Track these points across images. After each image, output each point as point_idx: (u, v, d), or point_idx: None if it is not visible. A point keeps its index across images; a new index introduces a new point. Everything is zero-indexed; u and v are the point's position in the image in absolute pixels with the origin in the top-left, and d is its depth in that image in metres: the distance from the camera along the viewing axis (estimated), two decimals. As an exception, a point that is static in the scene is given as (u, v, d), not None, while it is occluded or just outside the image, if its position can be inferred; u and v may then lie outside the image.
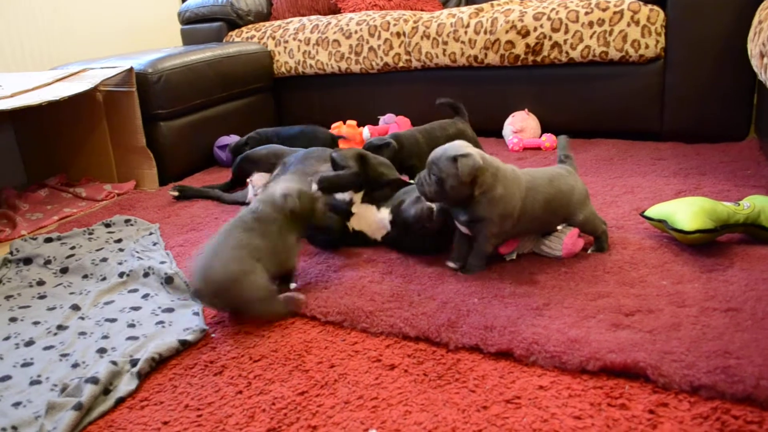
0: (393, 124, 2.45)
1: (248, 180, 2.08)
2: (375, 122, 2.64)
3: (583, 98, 2.38)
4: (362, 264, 1.51)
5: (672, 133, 2.28)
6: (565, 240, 1.42)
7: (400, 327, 1.22)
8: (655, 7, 2.17)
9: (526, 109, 2.45)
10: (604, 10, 2.22)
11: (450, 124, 2.04)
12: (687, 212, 1.40)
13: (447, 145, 1.37)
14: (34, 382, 1.17)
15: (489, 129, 2.60)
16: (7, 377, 1.20)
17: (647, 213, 1.51)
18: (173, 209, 2.07)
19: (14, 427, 1.04)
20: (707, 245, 1.43)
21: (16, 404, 1.11)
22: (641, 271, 1.35)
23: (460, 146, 1.35)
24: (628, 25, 2.19)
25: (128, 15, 3.29)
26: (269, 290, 1.30)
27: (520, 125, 2.38)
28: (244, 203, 2.02)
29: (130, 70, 2.21)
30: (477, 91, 2.55)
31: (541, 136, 2.41)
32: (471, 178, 1.32)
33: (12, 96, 2.04)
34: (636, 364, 1.03)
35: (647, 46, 2.19)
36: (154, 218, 1.99)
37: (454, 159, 1.31)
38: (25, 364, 1.23)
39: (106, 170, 2.44)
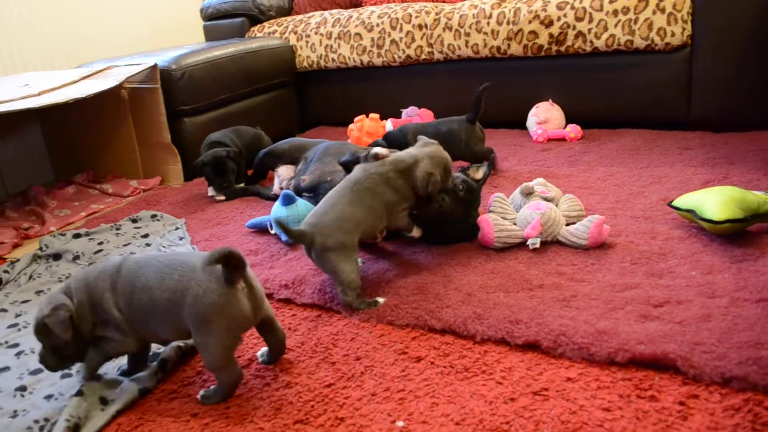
0: (416, 117, 2.44)
1: (274, 172, 2.09)
2: (398, 115, 2.63)
3: (608, 88, 2.34)
4: (387, 257, 1.51)
5: (699, 122, 2.24)
6: (591, 229, 1.40)
7: (426, 319, 1.22)
8: (682, -6, 2.13)
9: (550, 100, 2.42)
10: (629, -3, 2.19)
11: (447, 122, 2.03)
12: (716, 202, 1.37)
13: None
14: (65, 375, 1.20)
15: (513, 120, 2.58)
16: (39, 370, 1.22)
17: (675, 203, 1.49)
18: (198, 204, 2.09)
19: (46, 419, 1.06)
20: (737, 235, 1.41)
21: (48, 397, 1.13)
22: (670, 261, 1.33)
23: None
24: (654, 12, 2.15)
25: (151, 12, 3.33)
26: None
27: (545, 116, 2.36)
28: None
29: (154, 66, 2.23)
30: (500, 82, 2.52)
31: (565, 126, 2.38)
32: None
33: (39, 94, 2.08)
34: (666, 356, 1.02)
35: (673, 34, 2.15)
36: (180, 213, 2.01)
37: None
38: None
39: (132, 166, 2.47)
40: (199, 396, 1.08)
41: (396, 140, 2.01)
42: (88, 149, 2.56)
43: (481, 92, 1.97)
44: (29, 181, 2.61)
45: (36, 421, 1.05)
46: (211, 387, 1.08)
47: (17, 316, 1.46)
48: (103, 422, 1.03)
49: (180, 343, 1.20)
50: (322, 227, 1.28)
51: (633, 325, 1.11)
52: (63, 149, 2.62)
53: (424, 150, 1.41)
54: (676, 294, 1.20)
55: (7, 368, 1.24)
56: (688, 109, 2.24)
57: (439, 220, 1.49)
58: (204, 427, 1.01)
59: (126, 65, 2.34)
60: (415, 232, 1.46)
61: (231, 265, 1.00)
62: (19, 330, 1.39)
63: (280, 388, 1.09)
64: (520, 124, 2.54)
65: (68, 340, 1.04)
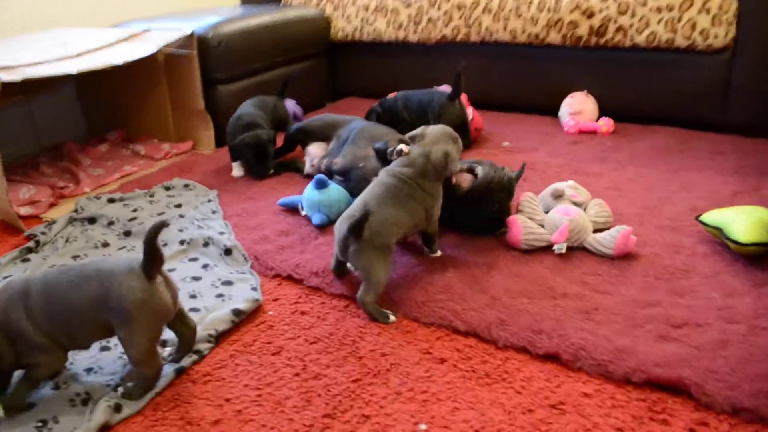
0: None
1: (305, 150, 2.12)
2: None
3: (645, 83, 2.33)
4: (414, 251, 1.54)
5: (734, 125, 2.23)
6: (618, 239, 1.43)
7: (451, 320, 1.26)
8: (729, -5, 2.10)
9: (586, 91, 2.41)
10: (674, -6, 2.15)
11: (429, 93, 2.22)
12: (744, 223, 1.39)
13: None
14: (104, 348, 1.25)
15: (545, 107, 2.57)
16: (80, 341, 1.29)
17: (703, 218, 1.50)
18: (230, 176, 2.12)
19: (87, 393, 1.13)
20: (762, 257, 1.43)
21: (88, 370, 1.19)
22: (692, 280, 1.36)
23: None
24: (699, 12, 2.11)
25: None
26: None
27: (578, 107, 2.35)
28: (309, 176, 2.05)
29: (192, 34, 2.24)
30: (535, 69, 2.52)
31: (598, 119, 2.38)
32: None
33: (77, 56, 2.10)
34: (680, 381, 1.06)
35: (716, 36, 2.12)
36: (212, 184, 2.05)
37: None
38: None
39: (164, 129, 2.50)
40: (119, 392, 1.11)
41: (391, 107, 2.27)
42: (121, 108, 2.59)
43: (459, 72, 2.11)
44: (63, 135, 2.66)
45: (78, 394, 1.12)
46: (129, 384, 1.12)
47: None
48: (143, 403, 1.09)
49: (211, 330, 1.26)
50: (372, 224, 1.31)
51: (651, 345, 1.15)
52: (96, 106, 2.66)
53: (429, 138, 1.45)
54: (695, 316, 1.23)
55: (48, 335, 1.31)
56: (723, 111, 2.22)
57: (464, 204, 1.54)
58: (237, 413, 1.07)
59: (163, 30, 2.35)
60: (438, 252, 1.52)
61: (152, 257, 1.04)
62: (59, 296, 1.46)
63: (310, 379, 1.14)
64: (553, 111, 2.53)
65: None
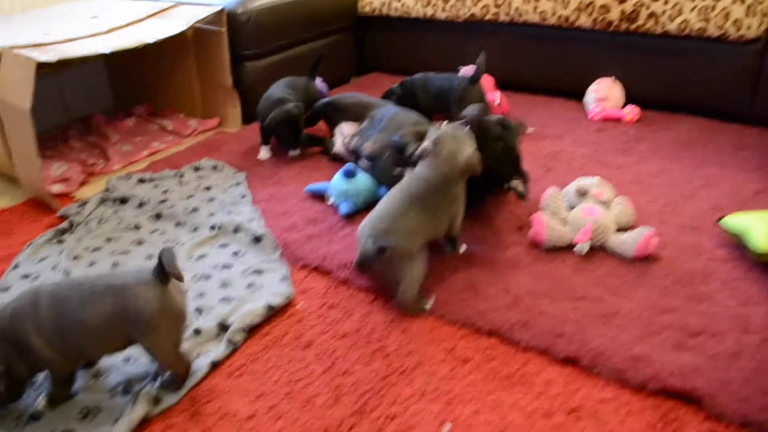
0: (475, 82, 2.44)
1: (328, 125, 2.14)
2: (456, 72, 2.63)
3: (673, 71, 2.31)
4: (438, 247, 1.58)
5: (760, 117, 2.21)
6: (639, 242, 1.46)
7: (475, 320, 1.31)
8: (766, -15, 2.06)
9: (614, 77, 2.39)
10: (709, -18, 2.12)
11: (449, 78, 2.22)
12: (763, 231, 1.41)
13: None
14: (141, 336, 1.32)
15: (571, 91, 2.56)
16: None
17: (724, 221, 1.52)
18: (257, 158, 2.16)
19: (127, 382, 1.19)
20: (781, 264, 1.45)
21: (126, 360, 1.25)
22: (711, 285, 1.39)
23: None
24: (733, 2, 2.08)
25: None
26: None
27: (605, 93, 2.34)
28: (342, 159, 2.08)
29: (222, 10, 2.25)
30: (563, 52, 2.50)
31: (623, 106, 2.37)
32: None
33: (108, 32, 2.12)
34: (694, 391, 1.10)
35: (749, 27, 2.09)
36: (240, 165, 2.09)
37: None
38: (133, 315, 1.38)
39: (190, 104, 2.53)
40: (155, 387, 1.16)
41: (410, 89, 2.29)
42: (148, 81, 2.62)
43: (482, 60, 2.13)
44: (91, 106, 2.70)
45: (118, 384, 1.19)
46: (167, 375, 1.17)
47: (91, 265, 1.59)
48: (179, 396, 1.16)
49: (243, 324, 1.31)
50: (399, 235, 1.34)
51: (667, 353, 1.19)
52: (124, 78, 2.69)
53: (449, 141, 1.44)
54: (711, 324, 1.26)
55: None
56: (751, 102, 2.20)
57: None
58: (269, 408, 1.13)
59: (192, 4, 2.35)
60: (462, 248, 1.55)
61: (166, 260, 1.06)
62: (96, 280, 1.52)
63: (337, 377, 1.20)
64: (578, 95, 2.52)
65: (3, 391, 1.09)
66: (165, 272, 1.06)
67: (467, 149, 1.42)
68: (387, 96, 2.31)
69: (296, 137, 2.10)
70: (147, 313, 1.06)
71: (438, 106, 2.22)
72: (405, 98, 2.26)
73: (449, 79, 2.21)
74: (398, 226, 1.35)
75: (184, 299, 1.13)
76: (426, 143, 1.45)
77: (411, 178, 1.44)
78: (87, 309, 1.06)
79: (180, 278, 1.07)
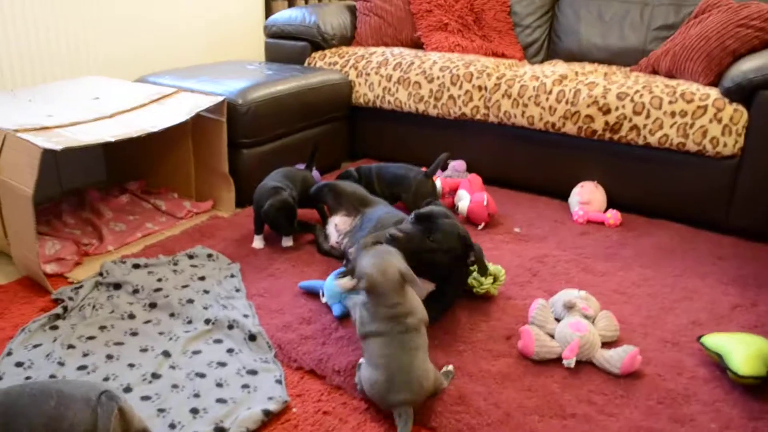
0: (465, 181, 2.52)
1: (328, 219, 2.19)
2: (445, 166, 2.73)
3: (653, 180, 2.43)
4: (431, 351, 1.58)
5: (736, 227, 2.33)
6: (625, 360, 1.51)
7: (466, 436, 1.34)
8: (740, 107, 2.20)
9: (596, 181, 2.51)
10: (688, 101, 2.26)
11: (406, 168, 2.42)
12: (743, 354, 1.48)
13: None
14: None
15: (556, 191, 2.68)
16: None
17: (704, 341, 1.59)
18: (249, 245, 2.19)
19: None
20: (759, 387, 1.51)
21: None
22: (693, 407, 1.43)
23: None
24: (710, 121, 2.22)
25: (212, 23, 3.37)
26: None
27: (588, 197, 2.45)
28: (328, 252, 2.14)
29: (223, 102, 2.32)
30: (549, 154, 2.62)
31: (606, 210, 2.47)
32: None
33: (111, 117, 2.17)
34: None
35: (725, 145, 2.22)
36: (234, 254, 2.12)
37: None
38: (126, 415, 1.38)
39: (185, 185, 2.58)
40: None
41: (366, 175, 2.47)
42: (142, 159, 2.67)
43: (443, 157, 2.37)
44: (83, 178, 2.73)
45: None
46: None
47: (85, 355, 1.58)
48: None
49: (243, 429, 1.32)
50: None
51: (655, 480, 1.23)
52: (119, 154, 2.73)
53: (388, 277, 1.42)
54: (696, 449, 1.31)
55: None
56: (727, 213, 2.32)
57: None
58: None
59: (193, 91, 2.43)
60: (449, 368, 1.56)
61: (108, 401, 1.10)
62: (88, 374, 1.51)
63: (332, 491, 1.21)
64: (563, 196, 2.63)
65: None
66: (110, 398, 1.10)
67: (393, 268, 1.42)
68: (344, 177, 2.45)
69: (290, 225, 2.14)
70: (78, 430, 1.08)
71: (391, 194, 2.40)
72: (360, 182, 2.40)
73: (406, 169, 2.40)
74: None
75: (124, 426, 1.13)
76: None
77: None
78: (33, 407, 1.08)
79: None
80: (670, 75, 2.59)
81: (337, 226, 2.11)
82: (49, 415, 1.08)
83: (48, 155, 2.55)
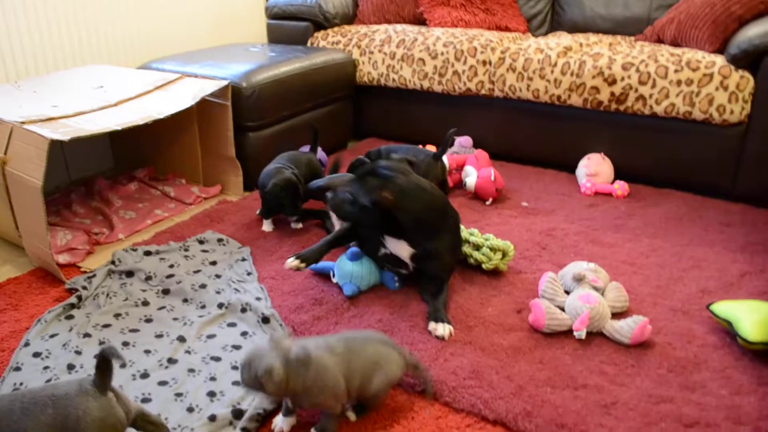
0: (471, 157, 2.52)
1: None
2: (451, 143, 2.72)
3: (660, 149, 2.43)
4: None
5: (743, 195, 2.33)
6: (635, 330, 1.52)
7: (480, 408, 1.35)
8: (746, 74, 2.18)
9: (602, 153, 2.50)
10: (694, 70, 2.24)
11: (414, 152, 2.37)
12: (753, 321, 1.49)
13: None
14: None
15: (563, 164, 2.68)
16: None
17: (714, 308, 1.60)
18: (260, 230, 2.21)
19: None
20: (769, 352, 1.52)
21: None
22: (703, 374, 1.45)
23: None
24: (717, 89, 2.21)
25: (213, 5, 3.35)
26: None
27: (595, 169, 2.44)
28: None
29: (227, 86, 2.32)
30: (555, 127, 2.62)
31: (613, 182, 2.47)
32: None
33: (117, 104, 2.18)
34: (693, 487, 1.16)
35: (732, 112, 2.21)
36: (244, 238, 2.14)
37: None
38: (145, 400, 1.40)
39: (192, 170, 2.59)
40: None
41: (377, 157, 2.40)
42: (149, 146, 2.68)
43: (449, 136, 2.30)
44: (91, 167, 2.75)
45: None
46: None
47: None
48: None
49: (255, 412, 1.34)
50: None
51: (666, 446, 1.25)
52: (125, 141, 2.74)
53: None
54: (705, 415, 1.32)
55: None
56: (734, 181, 2.32)
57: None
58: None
59: (197, 76, 2.43)
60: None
61: (104, 373, 1.11)
62: (107, 360, 1.55)
63: (350, 466, 1.24)
64: (569, 168, 2.63)
65: None
66: (104, 382, 1.11)
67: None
68: (355, 165, 2.32)
69: (296, 204, 2.15)
70: (86, 422, 1.09)
71: None
72: None
73: (415, 152, 2.36)
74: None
75: (123, 410, 1.15)
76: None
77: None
78: (29, 419, 1.07)
79: (104, 388, 1.11)
80: (675, 43, 2.57)
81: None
82: (50, 424, 1.08)
83: (55, 146, 2.56)
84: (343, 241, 1.86)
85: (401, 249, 1.73)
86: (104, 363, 1.10)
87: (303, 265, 1.73)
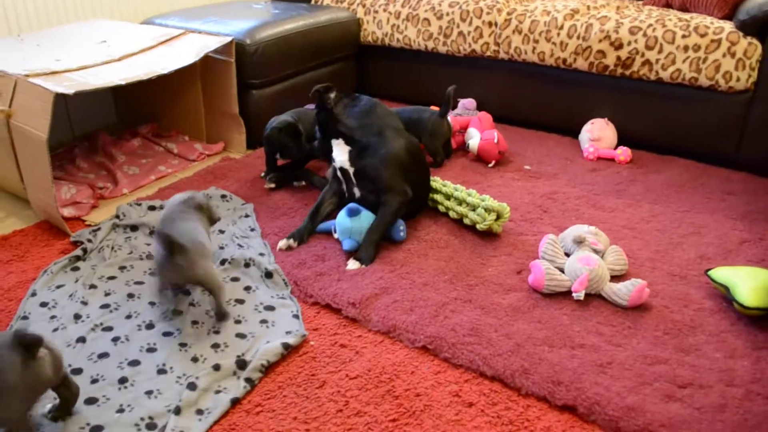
0: (475, 119, 2.52)
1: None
2: (455, 105, 2.71)
3: (664, 116, 2.42)
4: (443, 285, 1.66)
5: (747, 163, 2.33)
6: (633, 293, 1.55)
7: (479, 365, 1.39)
8: (754, 41, 2.16)
9: (606, 118, 2.49)
10: (702, 35, 2.22)
11: (420, 111, 2.41)
12: (749, 287, 1.51)
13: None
14: (161, 371, 1.38)
15: (566, 128, 2.68)
16: (137, 362, 1.40)
17: (712, 273, 1.62)
18: (262, 186, 2.22)
19: (150, 417, 1.25)
20: (764, 318, 1.54)
21: (149, 393, 1.31)
22: (698, 337, 1.48)
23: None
24: (724, 55, 2.19)
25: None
26: None
27: (598, 134, 2.44)
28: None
29: (231, 42, 2.31)
30: (559, 91, 2.60)
31: (616, 147, 2.47)
32: None
33: (120, 59, 2.17)
34: (683, 443, 1.19)
35: (738, 79, 2.20)
36: (247, 195, 2.15)
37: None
38: (150, 350, 1.43)
39: (196, 128, 2.59)
40: None
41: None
42: (152, 101, 2.67)
43: (451, 92, 2.33)
44: (94, 123, 2.74)
45: (142, 419, 1.25)
46: None
47: (107, 294, 1.64)
48: (203, 432, 1.22)
49: (259, 363, 1.38)
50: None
51: (658, 404, 1.27)
52: (128, 98, 2.73)
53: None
54: (699, 376, 1.35)
55: (106, 354, 1.41)
56: (737, 149, 2.32)
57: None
58: (287, 448, 1.20)
59: (201, 32, 2.41)
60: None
61: (28, 345, 1.10)
62: (111, 312, 1.56)
63: (351, 416, 1.27)
64: (573, 132, 2.63)
65: None
66: (27, 342, 1.10)
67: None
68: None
69: (298, 146, 2.17)
70: (5, 374, 1.08)
71: None
72: None
73: (419, 111, 2.39)
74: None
75: (52, 370, 1.15)
76: None
77: None
78: None
79: (37, 344, 1.11)
80: (683, 8, 2.54)
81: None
82: None
83: (58, 100, 2.55)
84: (326, 207, 1.97)
85: (342, 152, 1.90)
86: (23, 345, 1.10)
87: (295, 244, 1.85)
